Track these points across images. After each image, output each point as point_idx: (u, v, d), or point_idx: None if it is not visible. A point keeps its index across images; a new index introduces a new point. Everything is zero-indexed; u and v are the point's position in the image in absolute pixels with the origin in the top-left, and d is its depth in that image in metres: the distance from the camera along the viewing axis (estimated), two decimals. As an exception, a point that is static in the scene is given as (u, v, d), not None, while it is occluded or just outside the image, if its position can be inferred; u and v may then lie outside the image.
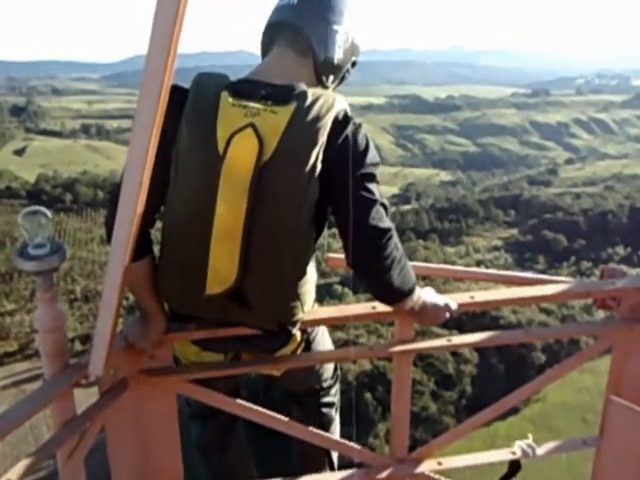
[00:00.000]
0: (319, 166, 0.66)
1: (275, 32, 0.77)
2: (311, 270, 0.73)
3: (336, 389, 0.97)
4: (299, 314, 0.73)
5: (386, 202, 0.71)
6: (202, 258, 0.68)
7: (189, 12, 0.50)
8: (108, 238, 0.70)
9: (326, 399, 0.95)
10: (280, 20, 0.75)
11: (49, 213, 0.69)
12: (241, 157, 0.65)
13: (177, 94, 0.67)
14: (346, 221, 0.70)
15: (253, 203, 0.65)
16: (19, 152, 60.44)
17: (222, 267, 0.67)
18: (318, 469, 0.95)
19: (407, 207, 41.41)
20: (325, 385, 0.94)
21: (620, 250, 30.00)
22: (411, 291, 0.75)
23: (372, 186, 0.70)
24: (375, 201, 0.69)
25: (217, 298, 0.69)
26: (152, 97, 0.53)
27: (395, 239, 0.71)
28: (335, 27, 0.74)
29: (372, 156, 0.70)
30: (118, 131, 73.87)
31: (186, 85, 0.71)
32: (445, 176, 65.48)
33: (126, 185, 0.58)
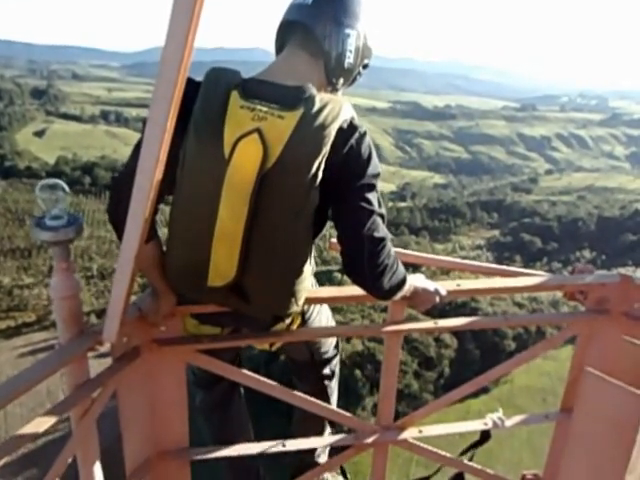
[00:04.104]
0: (320, 175, 0.63)
1: (288, 31, 0.73)
2: (308, 269, 0.71)
3: (336, 361, 0.98)
4: (293, 308, 0.72)
5: (384, 211, 0.69)
6: (204, 255, 0.67)
7: (207, 8, 0.48)
8: (113, 225, 0.68)
9: (326, 370, 0.96)
10: (293, 19, 0.72)
11: (66, 186, 0.66)
12: (245, 164, 0.62)
13: (190, 87, 0.63)
14: (343, 229, 0.69)
15: (253, 210, 0.64)
16: (39, 134, 58.55)
17: (222, 265, 0.67)
18: (316, 434, 0.96)
19: (403, 204, 41.53)
20: (326, 357, 0.95)
21: (587, 254, 30.74)
22: (400, 288, 0.74)
23: (371, 196, 0.67)
24: (372, 212, 0.67)
25: (218, 289, 0.68)
26: (168, 88, 0.51)
27: (388, 247, 0.69)
28: (347, 30, 0.70)
29: (374, 167, 0.67)
30: (137, 119, 71.69)
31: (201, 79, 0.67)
32: (438, 179, 65.77)
33: (141, 169, 0.56)
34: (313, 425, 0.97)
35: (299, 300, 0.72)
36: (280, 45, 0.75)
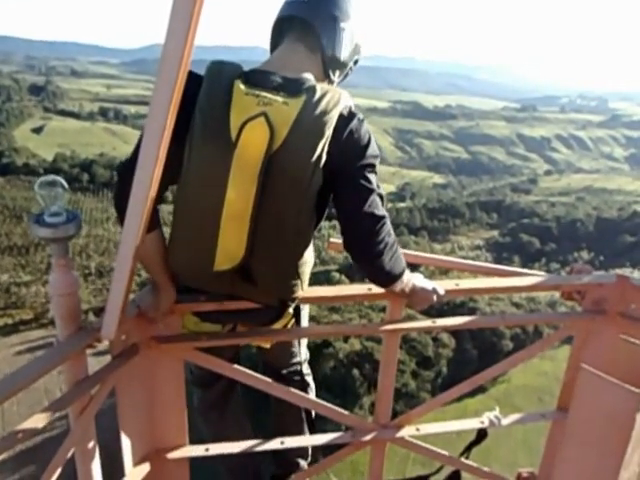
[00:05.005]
0: (324, 157, 0.66)
1: (285, 26, 0.76)
2: (310, 253, 0.74)
3: (307, 363, 1.00)
4: (298, 291, 0.74)
5: (383, 192, 0.72)
6: (212, 237, 0.68)
7: (208, 6, 0.49)
8: (117, 211, 0.69)
9: (305, 370, 0.98)
10: (291, 15, 0.74)
11: (65, 183, 0.67)
12: (252, 145, 0.65)
13: (192, 80, 0.65)
14: (345, 207, 0.70)
15: (262, 190, 0.65)
16: (37, 130, 58.31)
17: (230, 246, 0.68)
18: (296, 429, 0.97)
19: (402, 205, 41.74)
20: (303, 359, 0.97)
21: (585, 255, 30.89)
22: (401, 275, 0.76)
23: (371, 176, 0.70)
24: (372, 190, 0.69)
25: (224, 274, 0.69)
26: (168, 85, 0.51)
27: (388, 226, 0.71)
28: (342, 25, 0.74)
29: (373, 149, 0.70)
30: (136, 116, 71.55)
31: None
32: (438, 179, 65.85)
33: (142, 162, 0.57)
34: (293, 422, 0.98)
35: (304, 283, 0.73)
36: (275, 42, 0.77)
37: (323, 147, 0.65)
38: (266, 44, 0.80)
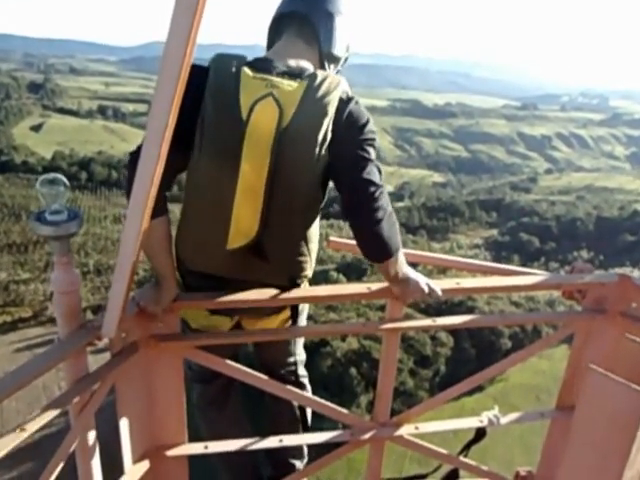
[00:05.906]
0: (329, 135, 0.70)
1: (284, 22, 0.80)
2: (316, 231, 0.77)
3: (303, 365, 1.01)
4: (307, 269, 0.78)
5: (380, 166, 0.74)
6: (225, 215, 0.70)
7: (208, 4, 0.48)
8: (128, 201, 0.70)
9: (301, 371, 0.99)
10: (290, 11, 0.79)
11: (67, 181, 0.67)
12: (263, 122, 0.68)
13: (197, 71, 0.68)
14: (344, 176, 0.73)
15: (274, 163, 0.68)
16: (36, 128, 58.29)
17: (244, 222, 0.70)
18: (292, 429, 0.98)
19: (400, 204, 41.47)
20: (300, 359, 0.97)
21: (584, 254, 30.85)
22: (397, 250, 0.76)
23: (370, 149, 0.73)
24: (371, 160, 0.72)
25: (237, 253, 0.71)
26: (171, 80, 0.51)
27: (386, 196, 0.73)
28: (338, 22, 0.79)
29: (371, 126, 0.74)
30: (134, 114, 71.48)
31: None
32: (437, 178, 65.76)
33: (145, 152, 0.57)
34: (289, 422, 0.98)
35: (312, 262, 0.78)
36: (272, 38, 0.82)
37: (328, 125, 0.69)
38: (264, 43, 0.82)
